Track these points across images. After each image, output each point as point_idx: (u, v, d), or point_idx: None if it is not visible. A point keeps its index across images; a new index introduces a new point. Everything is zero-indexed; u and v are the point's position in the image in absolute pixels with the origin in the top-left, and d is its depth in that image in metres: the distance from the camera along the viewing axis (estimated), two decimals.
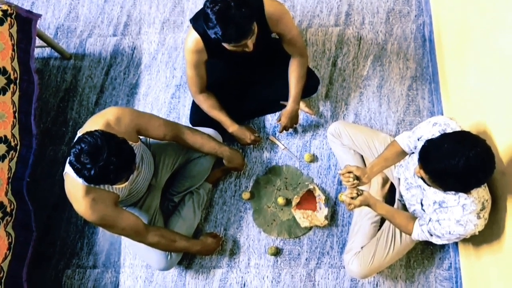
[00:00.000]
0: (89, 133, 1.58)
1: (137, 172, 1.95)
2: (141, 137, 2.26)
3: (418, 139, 1.77)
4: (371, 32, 2.71)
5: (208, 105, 2.29)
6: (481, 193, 1.63)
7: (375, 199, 1.97)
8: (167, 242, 2.07)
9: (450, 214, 1.67)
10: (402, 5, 2.74)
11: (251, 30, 1.81)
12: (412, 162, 1.88)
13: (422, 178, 1.61)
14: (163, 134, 2.04)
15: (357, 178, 2.00)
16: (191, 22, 2.04)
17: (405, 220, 1.94)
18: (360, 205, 1.96)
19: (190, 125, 2.40)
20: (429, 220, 1.79)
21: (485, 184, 1.66)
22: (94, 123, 1.76)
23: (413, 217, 1.95)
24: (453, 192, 1.64)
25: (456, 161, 1.42)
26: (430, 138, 1.58)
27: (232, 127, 2.34)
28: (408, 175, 1.95)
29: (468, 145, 1.44)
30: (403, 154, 1.96)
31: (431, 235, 1.78)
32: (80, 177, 1.58)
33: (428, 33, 2.62)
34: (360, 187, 2.01)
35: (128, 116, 1.86)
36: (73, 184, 1.74)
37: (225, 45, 1.90)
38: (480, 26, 1.94)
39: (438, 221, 1.73)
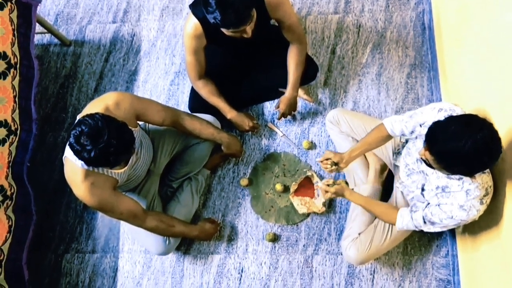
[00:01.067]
0: (89, 116, 1.58)
1: (136, 158, 1.96)
2: (140, 122, 2.27)
3: (421, 125, 1.76)
4: (370, 19, 2.70)
5: (207, 91, 2.29)
6: (485, 178, 1.62)
7: (351, 190, 2.01)
8: (165, 227, 2.09)
9: (453, 199, 1.65)
10: None
11: (250, 16, 1.81)
12: (415, 148, 1.88)
13: (426, 162, 1.59)
14: (162, 119, 2.04)
15: (335, 164, 2.02)
16: (190, 8, 2.04)
17: (386, 209, 1.96)
18: (336, 194, 2.00)
19: (189, 112, 2.41)
20: (426, 206, 1.78)
21: (489, 170, 1.65)
22: (94, 108, 1.76)
23: (394, 207, 1.97)
24: (457, 177, 1.63)
25: (462, 143, 1.40)
26: (436, 121, 1.56)
27: (230, 113, 2.34)
28: (409, 161, 1.95)
29: (475, 128, 1.42)
30: (388, 138, 1.96)
31: (425, 222, 1.77)
32: (79, 159, 1.59)
33: (428, 21, 2.61)
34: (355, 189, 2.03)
35: (127, 101, 1.86)
36: (72, 168, 1.75)
37: (224, 30, 1.90)
38: (480, 13, 1.93)
39: (438, 205, 1.72)
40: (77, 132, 1.55)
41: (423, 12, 2.67)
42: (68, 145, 1.60)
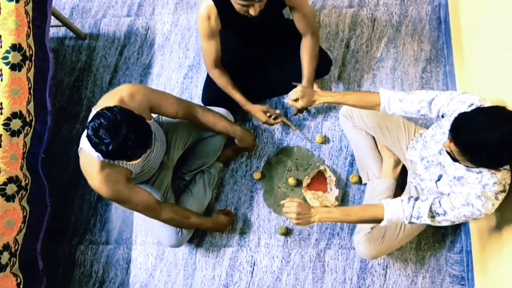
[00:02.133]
0: (108, 109, 1.59)
1: (149, 150, 1.97)
2: (153, 115, 2.28)
3: (443, 116, 1.73)
4: (385, 13, 2.68)
5: (224, 81, 2.29)
6: (505, 175, 1.58)
7: (320, 211, 1.85)
8: (180, 218, 2.10)
9: (469, 188, 1.61)
10: None
11: None
12: (433, 141, 1.85)
13: (450, 154, 1.55)
14: (176, 111, 2.04)
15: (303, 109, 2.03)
16: None
17: (367, 208, 1.85)
18: (302, 224, 1.87)
19: (202, 105, 2.41)
20: (437, 196, 1.72)
21: (509, 167, 1.62)
22: (108, 100, 1.77)
23: (374, 204, 1.87)
24: (476, 171, 1.59)
25: (489, 134, 1.37)
26: (462, 112, 1.52)
27: (247, 104, 2.35)
28: (426, 154, 1.92)
29: (502, 120, 1.40)
30: (375, 108, 1.89)
31: (431, 212, 1.69)
32: (97, 151, 1.60)
33: (444, 15, 2.58)
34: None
35: (141, 93, 1.87)
36: (88, 159, 1.76)
37: (233, 2, 1.89)
38: (496, 6, 1.90)
39: (453, 193, 1.67)
40: (96, 124, 1.56)
41: (439, 5, 2.64)
42: (86, 136, 1.60)
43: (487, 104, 1.62)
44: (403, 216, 1.74)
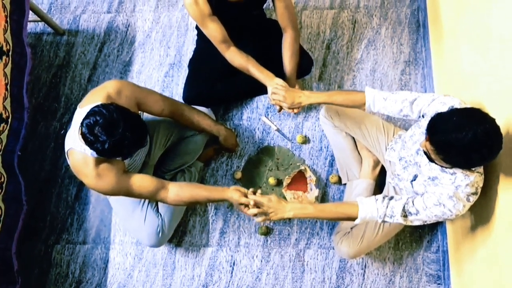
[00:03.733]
0: (103, 106, 1.57)
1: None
2: None
3: (423, 116, 1.76)
4: (365, 16, 2.71)
5: (239, 60, 2.20)
6: (477, 178, 1.62)
7: (292, 207, 1.87)
8: (189, 194, 1.94)
9: (441, 189, 1.66)
10: None
11: None
12: (412, 141, 1.88)
13: (426, 153, 1.59)
14: (162, 109, 2.02)
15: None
16: None
17: (341, 205, 1.88)
18: (285, 216, 1.87)
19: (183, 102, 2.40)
20: (410, 196, 1.75)
21: (482, 172, 1.65)
22: (95, 96, 1.74)
23: (348, 202, 1.91)
24: (450, 172, 1.63)
25: (463, 134, 1.41)
26: (439, 112, 1.56)
27: (268, 80, 2.18)
28: (404, 154, 1.95)
29: (477, 121, 1.43)
30: (360, 107, 1.90)
31: (405, 211, 1.71)
32: (92, 149, 1.58)
33: (423, 18, 2.63)
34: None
35: (128, 89, 1.84)
36: (81, 158, 1.73)
37: None
38: (473, 12, 1.95)
39: (426, 193, 1.72)
40: (91, 122, 1.54)
41: (418, 9, 2.69)
42: (80, 134, 1.58)
43: (467, 106, 1.66)
44: (377, 215, 1.76)
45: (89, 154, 1.69)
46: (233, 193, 1.92)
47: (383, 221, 1.78)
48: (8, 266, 2.15)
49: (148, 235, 2.17)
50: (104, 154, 1.59)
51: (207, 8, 2.06)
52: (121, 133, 1.54)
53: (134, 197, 1.91)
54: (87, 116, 1.56)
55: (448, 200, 1.64)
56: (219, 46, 2.18)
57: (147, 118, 2.22)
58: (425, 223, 1.75)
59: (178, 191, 1.91)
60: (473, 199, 1.65)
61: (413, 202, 1.72)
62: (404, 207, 1.72)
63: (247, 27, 2.30)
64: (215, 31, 2.13)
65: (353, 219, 1.81)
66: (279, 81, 2.14)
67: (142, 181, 1.86)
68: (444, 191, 1.65)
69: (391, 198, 1.77)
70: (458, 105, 1.65)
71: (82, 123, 1.56)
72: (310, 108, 2.56)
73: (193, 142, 2.29)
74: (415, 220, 1.73)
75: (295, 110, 2.19)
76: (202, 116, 2.18)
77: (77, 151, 1.72)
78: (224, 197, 1.95)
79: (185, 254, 2.41)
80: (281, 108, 2.30)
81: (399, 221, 1.74)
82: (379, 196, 1.80)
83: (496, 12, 1.73)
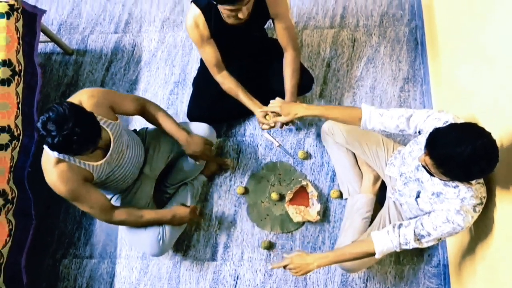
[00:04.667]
0: (58, 103, 1.63)
1: (118, 155, 2.00)
2: (137, 128, 2.32)
3: (420, 132, 1.81)
4: (365, 34, 2.79)
5: (229, 84, 2.31)
6: (480, 189, 1.67)
7: (315, 258, 1.92)
8: (135, 218, 2.10)
9: (448, 205, 1.69)
10: (395, 9, 2.82)
11: None
12: (411, 157, 1.92)
13: (425, 167, 1.63)
14: (134, 108, 2.09)
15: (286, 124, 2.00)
16: (192, 1, 2.10)
17: (357, 245, 1.92)
18: (310, 268, 1.92)
19: (188, 120, 2.46)
20: (417, 220, 1.78)
21: (483, 182, 1.70)
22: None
23: (363, 240, 1.95)
24: (453, 185, 1.67)
25: (462, 148, 1.45)
26: (437, 127, 1.61)
27: (253, 106, 2.33)
28: (405, 170, 1.99)
29: (475, 135, 1.48)
30: (357, 123, 1.94)
31: (416, 235, 1.76)
32: (44, 144, 1.65)
33: (420, 37, 2.70)
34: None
35: (101, 94, 1.92)
36: (46, 156, 1.82)
37: (222, 9, 1.96)
38: (470, 30, 2.01)
39: (433, 212, 1.75)
40: (45, 118, 1.60)
41: (416, 27, 2.76)
42: (34, 129, 1.63)
43: (461, 121, 1.71)
44: (393, 246, 1.80)
45: (51, 153, 1.77)
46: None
47: (401, 249, 1.81)
48: (18, 280, 2.20)
49: (149, 244, 2.19)
50: (55, 148, 1.63)
51: (207, 32, 2.15)
52: (70, 128, 1.57)
53: (86, 209, 1.96)
54: (43, 113, 1.62)
55: (456, 216, 1.67)
56: (211, 69, 2.29)
57: (150, 132, 2.29)
58: (440, 241, 1.78)
59: (126, 214, 2.07)
60: (479, 209, 1.68)
61: (422, 224, 1.75)
62: (414, 232, 1.76)
63: (248, 48, 2.37)
64: (209, 55, 2.23)
65: (372, 255, 1.86)
66: (265, 108, 2.26)
67: (98, 196, 1.96)
68: (451, 207, 1.68)
69: (400, 226, 1.81)
70: (452, 120, 1.70)
71: (37, 119, 1.62)
72: (312, 124, 2.62)
73: None
74: (429, 242, 1.77)
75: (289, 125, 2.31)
76: (167, 118, 2.18)
77: (45, 149, 1.81)
78: (169, 217, 2.18)
79: (189, 268, 2.46)
80: (282, 124, 2.36)
81: (415, 246, 1.77)
82: (389, 227, 1.83)
83: (489, 32, 1.79)
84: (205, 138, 2.25)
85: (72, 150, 1.64)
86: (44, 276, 2.50)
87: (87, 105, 1.81)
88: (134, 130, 2.34)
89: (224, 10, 1.96)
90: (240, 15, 1.96)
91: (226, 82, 2.32)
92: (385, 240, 1.82)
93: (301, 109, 2.04)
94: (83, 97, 1.85)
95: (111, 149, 1.93)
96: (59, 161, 1.80)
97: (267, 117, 2.28)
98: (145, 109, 2.15)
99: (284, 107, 2.09)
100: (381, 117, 1.88)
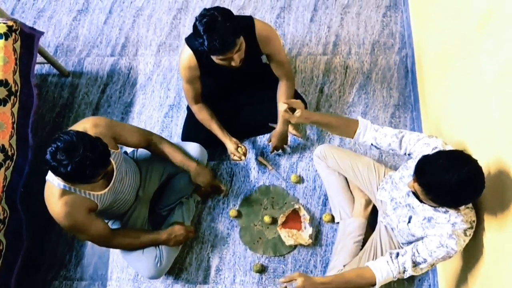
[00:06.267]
0: (63, 132, 1.64)
1: (120, 183, 2.02)
2: (128, 151, 2.33)
3: (409, 154, 1.85)
4: (357, 61, 2.86)
5: (203, 115, 2.40)
6: (469, 213, 1.70)
7: (319, 281, 1.92)
8: (131, 240, 2.13)
9: (440, 229, 1.72)
10: (386, 38, 2.90)
11: (234, 43, 1.92)
12: (402, 183, 1.96)
13: (414, 193, 1.66)
14: (138, 140, 2.13)
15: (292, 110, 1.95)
16: (185, 41, 2.16)
17: (358, 272, 1.92)
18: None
19: (181, 141, 2.51)
20: (413, 246, 1.80)
21: (472, 206, 1.73)
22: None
23: (362, 267, 1.94)
24: (443, 210, 1.70)
25: (450, 175, 1.49)
26: (425, 154, 1.65)
27: (224, 138, 2.41)
28: (396, 195, 2.01)
29: (461, 162, 1.52)
30: (352, 135, 1.95)
31: (413, 263, 1.78)
32: (56, 175, 1.64)
33: (411, 65, 2.77)
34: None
35: (104, 123, 1.94)
36: (50, 188, 1.82)
37: (214, 58, 2.01)
38: (458, 60, 2.07)
39: (426, 236, 1.78)
40: (53, 148, 1.60)
41: (406, 56, 2.84)
42: (44, 161, 1.63)
43: (449, 147, 1.76)
44: (392, 275, 1.82)
45: (56, 185, 1.77)
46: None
47: (401, 278, 1.83)
48: None
49: (146, 266, 2.19)
50: (69, 177, 1.63)
51: (197, 73, 2.23)
52: (82, 154, 1.58)
53: (84, 238, 2.01)
54: (49, 144, 1.62)
55: (449, 240, 1.69)
56: (188, 100, 2.39)
57: (140, 155, 2.31)
58: (433, 267, 1.80)
59: (122, 237, 2.11)
60: (469, 233, 1.71)
61: (418, 251, 1.77)
62: (412, 259, 1.78)
63: (239, 81, 2.42)
64: (191, 91, 2.31)
65: (373, 284, 1.87)
66: (236, 141, 2.41)
67: (99, 226, 1.98)
68: (443, 231, 1.71)
69: (397, 255, 1.83)
70: (441, 146, 1.75)
71: (45, 152, 1.62)
72: (304, 148, 2.65)
73: (187, 177, 2.34)
74: (424, 268, 1.79)
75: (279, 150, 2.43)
76: (174, 149, 2.23)
77: (49, 181, 1.82)
78: (166, 236, 2.21)
79: None
80: (274, 148, 2.45)
81: (412, 273, 1.79)
82: (387, 257, 1.84)
83: (475, 62, 1.85)
84: (212, 171, 2.30)
85: (86, 176, 1.64)
86: None
87: (91, 133, 1.82)
88: (125, 153, 2.36)
89: (216, 59, 2.01)
90: (233, 63, 2.02)
91: (202, 113, 2.40)
92: (385, 270, 1.83)
93: (304, 112, 1.96)
94: (87, 125, 1.87)
95: (114, 177, 1.94)
96: (64, 192, 1.80)
97: (238, 149, 2.38)
98: (150, 142, 2.19)
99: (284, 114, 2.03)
100: (375, 132, 1.92)
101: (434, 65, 2.40)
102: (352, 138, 1.97)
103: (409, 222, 1.92)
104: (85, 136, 1.65)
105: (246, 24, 2.10)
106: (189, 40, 2.14)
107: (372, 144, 1.93)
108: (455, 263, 2.05)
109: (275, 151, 2.55)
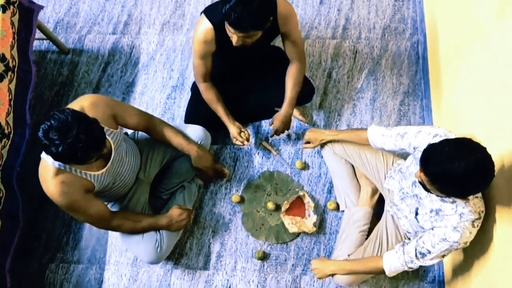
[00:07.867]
0: (59, 111, 1.56)
1: (119, 163, 1.95)
2: (128, 132, 2.26)
3: (415, 148, 1.81)
4: (366, 46, 2.77)
5: (210, 95, 2.30)
6: (478, 203, 1.65)
7: (333, 264, 2.11)
8: (132, 223, 2.07)
9: (447, 221, 1.67)
10: (397, 23, 2.82)
11: (264, 24, 1.85)
12: (408, 172, 1.91)
13: (421, 183, 1.62)
14: (137, 122, 2.05)
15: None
16: (204, 13, 2.05)
17: (371, 260, 2.00)
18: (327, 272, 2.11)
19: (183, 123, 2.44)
20: (419, 237, 1.79)
21: (481, 196, 1.68)
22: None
23: (376, 256, 2.01)
24: (451, 201, 1.65)
25: (456, 164, 1.43)
26: (431, 143, 1.59)
27: (227, 121, 2.35)
28: (404, 185, 1.97)
29: (468, 151, 1.46)
30: (365, 142, 2.08)
31: (417, 254, 1.77)
32: (47, 153, 1.57)
33: (422, 51, 2.70)
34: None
35: (103, 102, 1.86)
36: (45, 166, 1.75)
37: (230, 34, 1.91)
38: (472, 47, 2.01)
39: (432, 229, 1.74)
40: (46, 126, 1.52)
41: (418, 42, 2.76)
42: (38, 138, 1.56)
43: (452, 135, 1.70)
44: (399, 264, 1.83)
45: (51, 163, 1.71)
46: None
47: (409, 268, 1.83)
48: (1, 284, 2.13)
49: (146, 251, 2.14)
50: (59, 157, 1.56)
51: (214, 49, 2.13)
52: (75, 135, 1.51)
53: (83, 219, 1.95)
54: (43, 121, 1.55)
55: (453, 233, 1.65)
56: (197, 78, 2.28)
57: (141, 137, 2.24)
58: (442, 259, 1.78)
59: (123, 219, 2.05)
60: (477, 224, 1.66)
61: (423, 242, 1.75)
62: (416, 249, 1.77)
63: (251, 62, 2.35)
64: (202, 67, 2.21)
65: (383, 272, 1.92)
66: (240, 125, 2.37)
67: (98, 206, 1.91)
68: (448, 223, 1.66)
69: (403, 244, 1.84)
70: (442, 133, 1.71)
71: (38, 128, 1.55)
72: None
73: (188, 161, 2.28)
74: (433, 259, 1.77)
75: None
76: (175, 133, 2.16)
77: (43, 159, 1.76)
78: (167, 220, 2.15)
79: (180, 276, 2.39)
80: (275, 132, 2.42)
81: (419, 263, 1.79)
82: (396, 246, 1.88)
83: (490, 51, 1.79)
84: (213, 154, 2.23)
85: (77, 158, 1.57)
86: (29, 280, 2.41)
87: (89, 112, 1.74)
88: (126, 134, 2.28)
89: (233, 35, 1.90)
90: (246, 43, 1.93)
91: (208, 92, 2.31)
92: (392, 258, 1.85)
93: (325, 136, 2.29)
94: (85, 103, 1.79)
95: (112, 158, 1.88)
96: (58, 171, 1.73)
97: (241, 134, 2.34)
98: (150, 125, 2.11)
99: (311, 134, 2.34)
100: (383, 137, 1.95)
101: (447, 51, 2.34)
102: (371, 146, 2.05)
103: (416, 214, 1.88)
104: (81, 117, 1.57)
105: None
106: (209, 12, 2.04)
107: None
108: (462, 255, 2.02)
109: (275, 136, 2.46)
